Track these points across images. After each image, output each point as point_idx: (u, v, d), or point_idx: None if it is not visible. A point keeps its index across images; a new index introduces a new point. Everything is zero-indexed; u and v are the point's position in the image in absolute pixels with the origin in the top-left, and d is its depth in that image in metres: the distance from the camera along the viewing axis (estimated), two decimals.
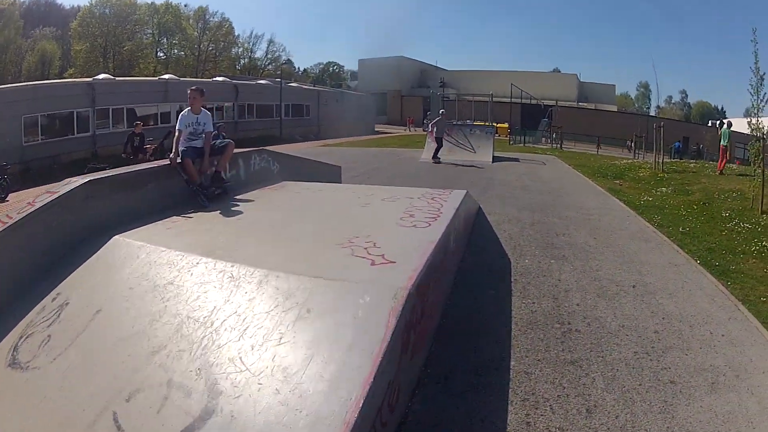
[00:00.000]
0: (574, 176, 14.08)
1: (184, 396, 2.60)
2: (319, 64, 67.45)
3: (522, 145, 28.32)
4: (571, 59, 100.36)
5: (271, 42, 70.46)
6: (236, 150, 7.17)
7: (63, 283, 3.88)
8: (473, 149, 17.48)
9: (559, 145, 28.37)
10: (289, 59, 61.19)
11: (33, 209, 4.20)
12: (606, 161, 18.90)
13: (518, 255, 5.98)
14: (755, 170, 9.54)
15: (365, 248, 3.73)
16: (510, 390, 3.24)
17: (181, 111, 5.88)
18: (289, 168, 7.96)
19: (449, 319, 4.17)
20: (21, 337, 3.43)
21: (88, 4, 42.61)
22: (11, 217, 4.14)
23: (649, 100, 67.82)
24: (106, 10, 43.26)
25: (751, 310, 4.57)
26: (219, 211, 5.22)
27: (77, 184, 4.52)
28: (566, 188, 11.48)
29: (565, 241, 6.66)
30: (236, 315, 3.08)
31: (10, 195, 14.15)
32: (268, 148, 8.33)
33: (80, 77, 26.65)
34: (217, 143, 6.02)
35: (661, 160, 15.55)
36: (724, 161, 14.97)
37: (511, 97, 30.11)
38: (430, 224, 4.49)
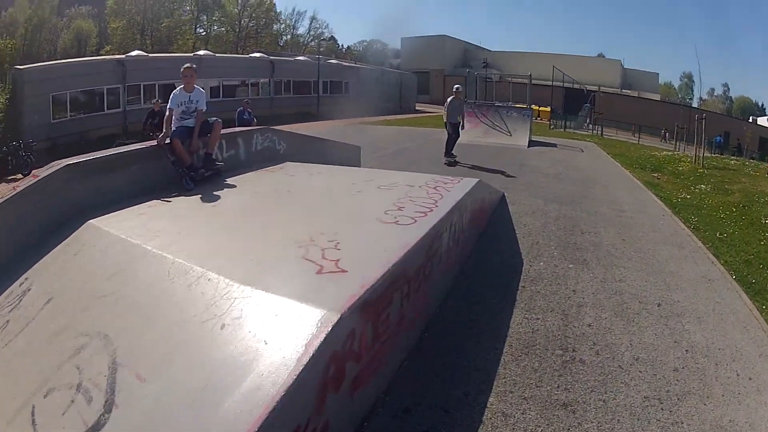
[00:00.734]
0: (611, 166, 12.94)
1: (86, 403, 2.34)
2: (363, 41, 65.94)
3: (563, 130, 26.76)
4: (615, 44, 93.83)
5: (313, 19, 69.63)
6: (244, 128, 6.77)
7: (32, 269, 3.74)
8: (509, 132, 16.47)
9: (599, 132, 26.80)
10: (332, 36, 60.04)
11: (14, 193, 4.11)
12: (646, 152, 17.53)
13: (533, 256, 5.27)
14: None
15: (323, 250, 3.17)
16: None
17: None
18: (299, 148, 7.43)
19: (431, 333, 3.55)
20: None
21: None
22: None
23: (692, 91, 63.70)
24: None
25: None
26: (199, 196, 4.77)
27: (57, 167, 4.36)
28: (601, 179, 10.47)
29: (589, 241, 5.86)
30: (156, 320, 2.74)
31: (33, 171, 14.31)
32: (279, 127, 7.85)
33: (117, 54, 26.64)
34: (210, 121, 5.59)
35: (701, 155, 14.58)
36: None
37: (552, 81, 28.52)
38: (415, 221, 3.82)
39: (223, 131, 5.90)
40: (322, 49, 44.25)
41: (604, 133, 26.55)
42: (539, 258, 5.22)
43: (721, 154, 23.47)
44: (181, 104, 5.38)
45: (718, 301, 4.44)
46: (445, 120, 12.03)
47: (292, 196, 4.92)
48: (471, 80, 21.07)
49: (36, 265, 3.78)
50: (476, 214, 5.57)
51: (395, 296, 2.91)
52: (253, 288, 2.71)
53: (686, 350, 3.55)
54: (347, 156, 8.65)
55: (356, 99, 35.79)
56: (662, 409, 2.87)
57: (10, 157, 15.15)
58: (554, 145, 16.61)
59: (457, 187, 5.20)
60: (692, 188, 10.29)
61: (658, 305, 4.24)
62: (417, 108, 42.39)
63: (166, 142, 5.20)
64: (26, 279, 3.69)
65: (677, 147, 23.26)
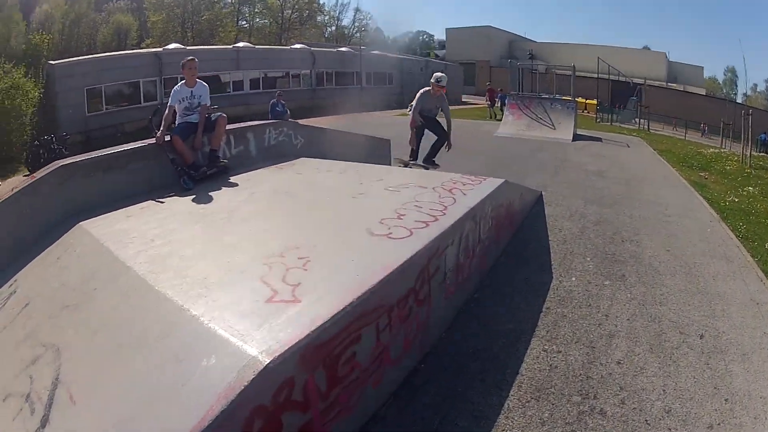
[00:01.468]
0: (657, 163, 11.82)
1: (30, 414, 2.21)
2: (408, 32, 64.66)
3: (609, 123, 25.09)
4: (659, 37, 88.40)
5: (357, 10, 68.85)
6: (255, 123, 6.42)
7: (21, 271, 3.66)
8: (553, 125, 15.66)
9: (646, 126, 25.02)
10: (378, 27, 59.29)
11: (12, 193, 4.05)
12: (692, 148, 16.17)
13: (565, 269, 4.61)
14: None
15: (287, 270, 2.71)
16: None
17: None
18: (318, 142, 7.02)
19: (429, 366, 3.04)
20: None
21: None
22: None
23: (736, 86, 59.04)
24: None
25: None
26: (192, 198, 4.44)
27: (53, 167, 4.21)
28: (647, 177, 9.52)
29: (630, 251, 5.13)
30: (101, 338, 2.52)
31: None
32: (313, 119, 7.51)
33: (157, 47, 26.92)
34: (212, 117, 5.25)
35: (749, 153, 13.41)
36: None
37: (598, 73, 26.77)
38: (412, 233, 3.27)
39: (232, 126, 5.57)
40: (367, 41, 43.60)
41: (650, 128, 24.84)
42: (571, 272, 4.56)
43: (767, 153, 21.52)
44: (184, 100, 5.09)
45: (766, 331, 3.67)
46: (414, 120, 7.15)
47: (288, 198, 4.48)
48: (514, 71, 20.16)
49: (25, 267, 3.66)
50: (501, 220, 4.90)
51: (366, 331, 2.40)
52: (188, 311, 2.35)
53: (725, 400, 2.86)
54: (374, 150, 8.13)
55: (401, 91, 35.07)
56: None
57: (42, 150, 15.42)
58: (599, 140, 15.55)
59: (475, 190, 4.55)
60: (740, 190, 9.28)
61: (701, 337, 3.53)
62: (463, 100, 41.05)
63: (166, 139, 4.90)
64: (15, 281, 3.58)
65: (723, 144, 21.50)
